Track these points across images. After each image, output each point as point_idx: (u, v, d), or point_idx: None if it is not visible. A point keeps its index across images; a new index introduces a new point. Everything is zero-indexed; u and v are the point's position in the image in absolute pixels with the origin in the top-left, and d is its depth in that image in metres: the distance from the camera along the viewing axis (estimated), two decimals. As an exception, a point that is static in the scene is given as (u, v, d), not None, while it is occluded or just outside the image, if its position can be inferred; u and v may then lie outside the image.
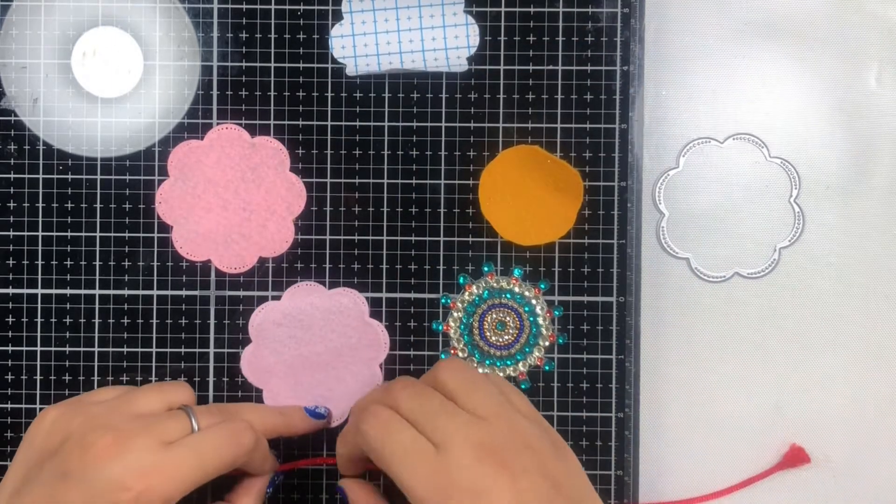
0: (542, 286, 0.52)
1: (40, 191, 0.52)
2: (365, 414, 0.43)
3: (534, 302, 0.52)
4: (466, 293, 0.52)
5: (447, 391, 0.43)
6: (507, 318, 0.52)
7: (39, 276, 0.52)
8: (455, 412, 0.41)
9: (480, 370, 0.52)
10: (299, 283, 0.52)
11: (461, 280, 0.52)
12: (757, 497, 0.53)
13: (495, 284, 0.52)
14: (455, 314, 0.52)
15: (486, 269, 0.52)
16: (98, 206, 0.52)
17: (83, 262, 0.52)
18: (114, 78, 0.52)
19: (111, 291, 0.52)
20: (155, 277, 0.52)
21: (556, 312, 0.52)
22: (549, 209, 0.52)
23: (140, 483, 0.40)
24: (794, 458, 0.53)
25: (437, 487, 0.39)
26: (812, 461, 0.53)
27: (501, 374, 0.52)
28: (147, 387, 0.46)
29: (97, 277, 0.52)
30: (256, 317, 0.52)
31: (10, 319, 0.52)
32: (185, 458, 0.41)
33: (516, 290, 0.52)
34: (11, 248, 0.52)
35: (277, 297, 0.52)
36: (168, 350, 0.52)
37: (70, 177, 0.52)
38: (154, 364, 0.52)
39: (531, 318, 0.52)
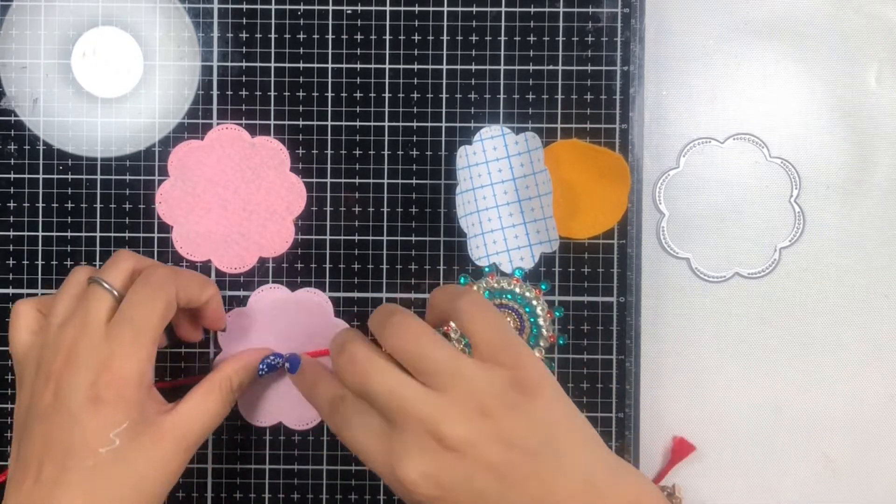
0: (543, 287, 0.52)
1: (40, 191, 0.52)
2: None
3: (534, 303, 0.52)
4: (467, 293, 0.52)
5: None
6: (508, 319, 0.52)
7: (39, 277, 0.52)
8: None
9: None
10: (262, 287, 0.52)
11: (462, 280, 0.52)
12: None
13: (496, 285, 0.52)
14: (455, 314, 0.52)
15: (486, 269, 0.52)
16: (98, 206, 0.52)
17: (83, 263, 0.52)
18: (114, 78, 0.52)
19: (111, 291, 0.52)
20: (155, 277, 0.52)
21: (557, 313, 0.52)
22: (601, 197, 0.52)
23: (105, 374, 0.42)
24: (681, 449, 0.52)
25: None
26: (816, 459, 0.53)
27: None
28: (56, 296, 0.46)
29: (97, 277, 0.52)
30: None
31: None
32: (127, 333, 0.43)
33: (517, 290, 0.52)
34: (11, 248, 0.52)
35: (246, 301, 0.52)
36: (168, 350, 0.52)
37: (70, 177, 0.52)
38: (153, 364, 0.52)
39: (531, 319, 0.52)
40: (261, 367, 0.49)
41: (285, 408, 0.52)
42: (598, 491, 0.40)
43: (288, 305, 0.52)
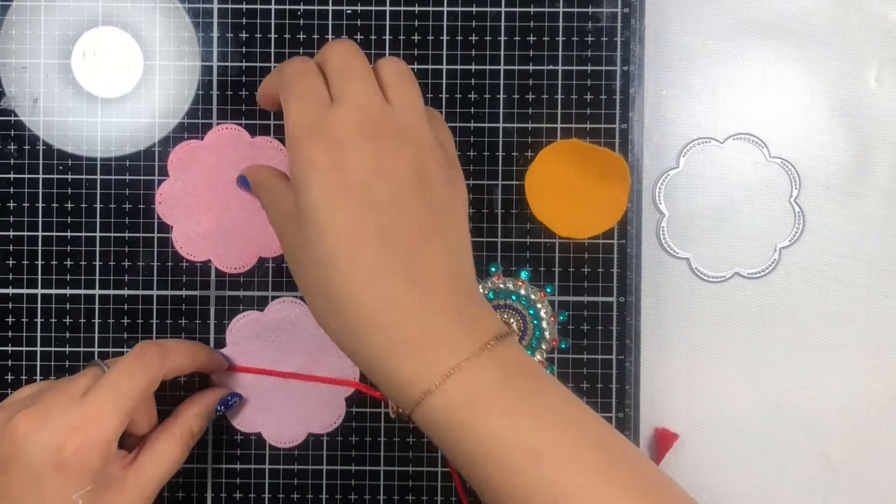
0: (549, 290, 0.52)
1: (40, 191, 0.52)
2: (293, 60, 0.42)
3: (539, 305, 0.52)
4: (469, 294, 0.52)
5: (381, 80, 0.42)
6: (511, 320, 0.52)
7: (39, 276, 0.52)
8: (372, 87, 0.41)
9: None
10: (283, 298, 0.52)
11: (465, 279, 0.52)
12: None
13: (501, 286, 0.52)
14: (456, 314, 0.52)
15: (492, 269, 0.52)
16: (98, 206, 0.52)
17: (83, 262, 0.52)
18: (114, 78, 0.52)
19: (111, 291, 0.52)
20: (155, 277, 0.52)
21: (561, 317, 0.52)
22: (601, 197, 0.51)
23: (73, 438, 0.41)
24: (665, 440, 0.52)
25: (309, 129, 0.39)
26: (814, 457, 0.53)
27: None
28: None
29: (97, 277, 0.52)
30: (236, 324, 0.52)
31: (10, 319, 0.52)
32: (104, 397, 0.42)
33: (522, 292, 0.52)
34: (11, 248, 0.52)
35: (267, 302, 0.52)
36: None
37: (70, 177, 0.52)
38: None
39: (534, 322, 0.52)
40: (218, 407, 0.50)
41: (269, 422, 0.52)
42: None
43: (305, 327, 0.51)
